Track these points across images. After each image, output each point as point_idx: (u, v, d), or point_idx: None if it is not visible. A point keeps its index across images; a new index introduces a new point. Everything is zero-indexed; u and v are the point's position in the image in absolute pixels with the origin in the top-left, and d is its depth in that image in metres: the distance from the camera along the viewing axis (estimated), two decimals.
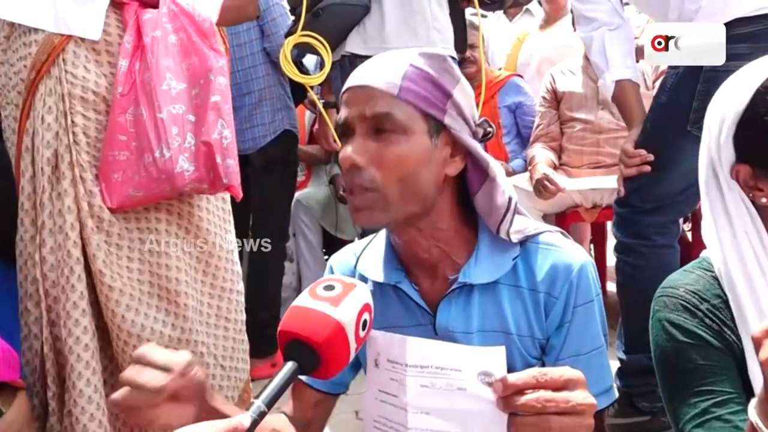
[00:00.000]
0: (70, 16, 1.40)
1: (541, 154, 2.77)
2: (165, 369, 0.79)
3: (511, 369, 0.93)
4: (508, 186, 0.96)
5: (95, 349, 1.41)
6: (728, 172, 0.95)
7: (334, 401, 1.11)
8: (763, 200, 0.94)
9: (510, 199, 0.95)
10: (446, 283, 0.97)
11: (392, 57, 0.94)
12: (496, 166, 0.95)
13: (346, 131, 0.93)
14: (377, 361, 0.87)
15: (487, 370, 0.74)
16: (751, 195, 0.95)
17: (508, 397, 0.70)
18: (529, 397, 0.69)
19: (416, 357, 0.81)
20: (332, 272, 1.10)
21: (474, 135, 0.95)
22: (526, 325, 0.96)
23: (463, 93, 0.94)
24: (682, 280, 0.99)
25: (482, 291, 0.96)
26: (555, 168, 2.77)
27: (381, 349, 0.86)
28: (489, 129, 0.97)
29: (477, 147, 0.94)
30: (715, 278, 0.97)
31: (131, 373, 0.79)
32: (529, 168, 2.79)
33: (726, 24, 1.57)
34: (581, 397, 0.70)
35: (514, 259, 0.96)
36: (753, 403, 0.70)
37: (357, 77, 0.93)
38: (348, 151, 0.90)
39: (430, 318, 0.98)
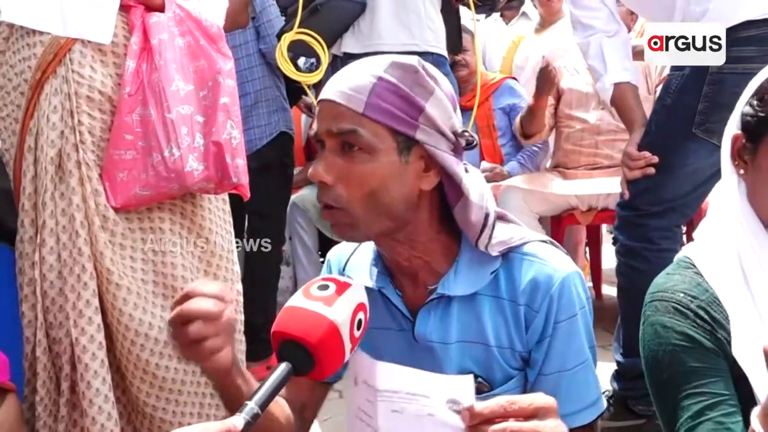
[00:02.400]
0: (79, 19, 1.41)
1: None
2: (218, 298, 0.81)
3: (491, 381, 0.93)
4: (489, 199, 0.94)
5: (105, 347, 1.42)
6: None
7: (329, 387, 1.12)
8: (741, 171, 0.96)
9: (487, 216, 0.93)
10: (426, 292, 0.96)
11: (360, 69, 0.91)
12: (470, 182, 0.92)
13: (317, 144, 0.93)
14: (356, 379, 0.88)
15: (455, 398, 0.74)
16: (736, 163, 0.97)
17: (476, 426, 0.68)
18: (496, 427, 0.67)
19: (387, 382, 0.81)
20: (329, 265, 1.10)
21: (455, 146, 0.93)
22: (506, 337, 0.95)
23: (438, 105, 0.91)
24: (668, 282, 0.99)
25: (461, 302, 0.95)
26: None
27: (358, 369, 0.87)
28: (471, 139, 0.95)
29: (451, 163, 0.91)
30: (698, 273, 0.97)
31: (190, 304, 0.80)
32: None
33: (733, 27, 1.57)
34: (551, 426, 0.67)
35: (492, 272, 0.95)
36: (756, 411, 0.69)
37: (327, 90, 0.92)
38: (317, 168, 0.90)
39: (411, 325, 0.97)
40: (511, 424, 0.67)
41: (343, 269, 1.06)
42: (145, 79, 1.43)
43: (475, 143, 0.96)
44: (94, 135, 1.42)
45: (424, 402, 0.77)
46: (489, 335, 0.94)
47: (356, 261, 1.05)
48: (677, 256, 1.04)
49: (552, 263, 0.94)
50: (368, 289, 0.97)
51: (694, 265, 0.98)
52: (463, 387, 0.74)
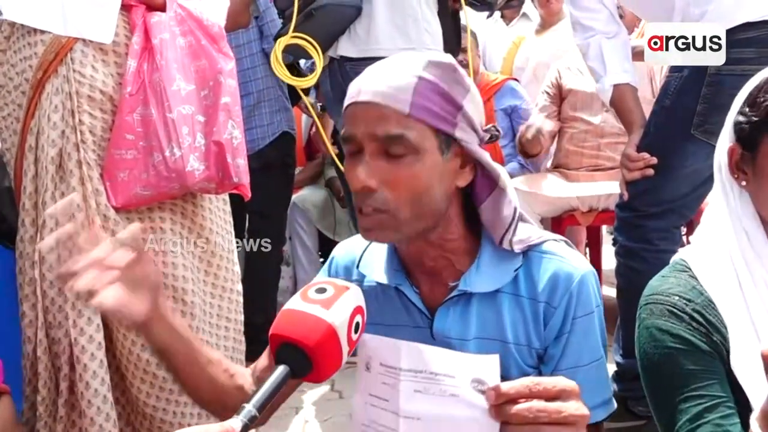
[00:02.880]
0: (80, 19, 1.42)
1: (540, 119, 2.80)
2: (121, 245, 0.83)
3: (506, 378, 0.92)
4: (514, 195, 0.95)
5: (105, 347, 1.42)
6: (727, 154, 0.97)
7: None
8: (743, 183, 0.96)
9: (515, 210, 0.94)
10: (446, 289, 0.96)
11: (398, 67, 0.89)
12: (505, 176, 0.94)
13: (352, 148, 0.90)
14: (369, 365, 0.86)
15: (481, 377, 0.74)
16: (736, 176, 0.97)
17: (500, 405, 0.70)
18: (521, 406, 0.68)
19: (411, 361, 0.80)
20: (333, 262, 1.10)
21: (481, 141, 0.94)
22: (524, 334, 0.95)
23: (473, 102, 0.92)
24: (663, 285, 1.00)
25: (482, 299, 0.95)
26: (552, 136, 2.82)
27: (373, 353, 0.86)
28: (495, 133, 0.96)
29: (487, 158, 0.92)
30: (693, 277, 0.98)
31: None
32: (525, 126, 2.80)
33: (732, 28, 1.57)
34: (574, 407, 0.69)
35: (516, 270, 0.95)
36: (755, 414, 0.70)
37: (362, 91, 0.88)
38: (360, 175, 0.87)
39: (429, 322, 0.98)
40: (536, 403, 0.68)
41: (357, 267, 1.06)
42: (146, 78, 1.43)
43: (497, 137, 0.97)
44: (95, 134, 1.43)
45: (449, 382, 0.76)
46: (507, 332, 0.95)
47: (370, 258, 1.04)
48: (673, 259, 1.04)
49: (571, 261, 0.95)
50: (383, 287, 0.99)
51: (690, 269, 0.99)
52: (489, 366, 0.74)
